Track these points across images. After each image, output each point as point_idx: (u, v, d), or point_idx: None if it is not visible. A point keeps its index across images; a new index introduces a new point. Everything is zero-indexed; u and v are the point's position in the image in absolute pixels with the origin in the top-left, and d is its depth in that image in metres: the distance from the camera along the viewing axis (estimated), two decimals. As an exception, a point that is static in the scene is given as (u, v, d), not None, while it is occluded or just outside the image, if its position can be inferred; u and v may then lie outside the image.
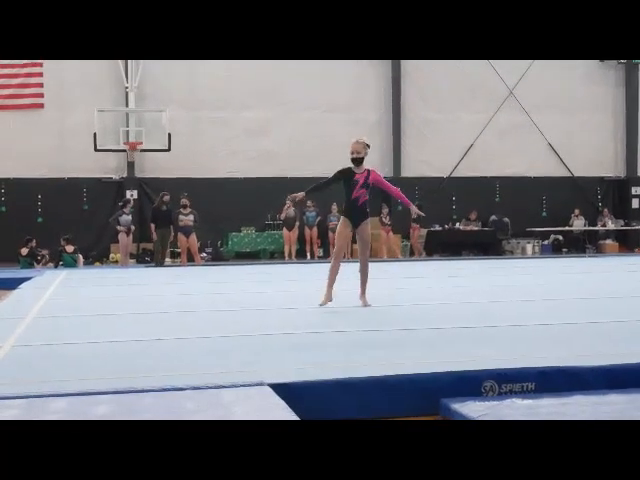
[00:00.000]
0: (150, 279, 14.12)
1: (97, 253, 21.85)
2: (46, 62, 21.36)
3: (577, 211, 24.09)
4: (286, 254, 21.44)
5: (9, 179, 21.76)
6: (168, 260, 20.37)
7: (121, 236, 19.64)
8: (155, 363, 5.38)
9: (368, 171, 8.54)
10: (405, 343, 6.08)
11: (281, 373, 4.82)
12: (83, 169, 21.99)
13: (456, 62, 22.92)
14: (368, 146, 8.57)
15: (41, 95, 22.04)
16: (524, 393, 4.73)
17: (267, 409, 3.99)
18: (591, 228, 24.25)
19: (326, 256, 20.54)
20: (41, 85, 22.00)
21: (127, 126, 21.05)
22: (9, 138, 21.69)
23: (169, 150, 20.66)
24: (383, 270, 14.59)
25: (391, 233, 21.97)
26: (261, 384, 4.50)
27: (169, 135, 20.47)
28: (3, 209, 21.86)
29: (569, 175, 24.81)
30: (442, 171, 24.17)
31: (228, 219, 22.27)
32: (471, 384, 4.72)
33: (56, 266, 19.11)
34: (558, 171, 24.76)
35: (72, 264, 19.13)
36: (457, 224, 23.77)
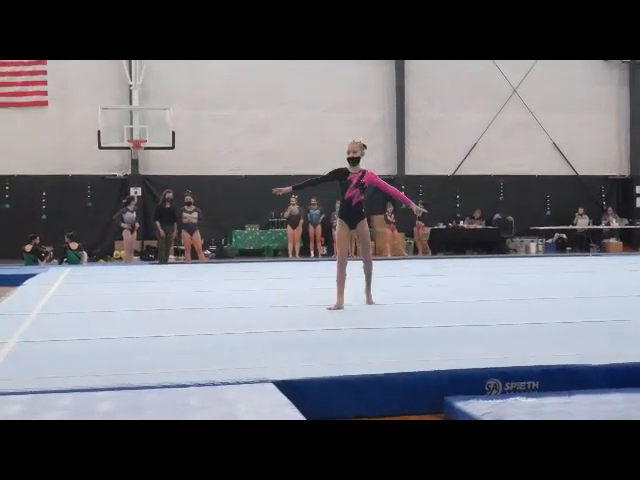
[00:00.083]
0: (154, 276, 14.13)
1: (101, 250, 21.87)
2: (50, 60, 21.36)
3: (581, 210, 24.06)
4: (290, 252, 21.46)
5: (13, 176, 21.78)
6: (172, 257, 20.38)
7: (125, 233, 19.66)
8: (159, 360, 5.38)
9: (363, 171, 8.46)
10: (409, 341, 6.08)
11: (285, 370, 4.83)
12: (87, 166, 22.01)
13: (460, 61, 22.87)
14: (365, 146, 8.49)
15: (45, 93, 22.07)
16: (528, 392, 4.73)
17: (271, 406, 3.99)
18: (595, 227, 24.22)
19: (330, 254, 20.53)
20: (45, 83, 22.02)
21: (131, 124, 21.07)
22: (13, 135, 21.72)
23: (173, 148, 20.69)
24: (387, 268, 14.59)
25: (396, 231, 21.98)
26: (265, 381, 4.50)
27: (173, 133, 20.49)
28: (7, 206, 21.88)
29: (573, 174, 24.79)
30: (446, 170, 24.16)
31: (232, 217, 22.28)
32: (475, 382, 4.72)
33: (60, 263, 19.15)
34: (562, 170, 24.74)
35: (76, 261, 19.16)
36: (461, 222, 23.76)
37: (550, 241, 23.97)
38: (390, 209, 21.84)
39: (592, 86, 24.82)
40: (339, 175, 8.50)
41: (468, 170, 24.12)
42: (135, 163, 22.43)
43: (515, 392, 4.70)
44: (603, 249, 23.86)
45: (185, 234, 19.41)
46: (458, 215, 24.07)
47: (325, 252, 22.06)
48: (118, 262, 20.73)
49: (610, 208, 24.52)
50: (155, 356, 5.55)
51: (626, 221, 24.84)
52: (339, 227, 8.67)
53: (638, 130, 25.20)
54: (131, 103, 21.85)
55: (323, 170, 8.84)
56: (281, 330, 6.72)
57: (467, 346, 5.76)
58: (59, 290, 11.15)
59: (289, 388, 4.41)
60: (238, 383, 4.48)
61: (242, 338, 6.37)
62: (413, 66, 23.73)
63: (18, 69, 21.69)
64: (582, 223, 24.12)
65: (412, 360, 5.16)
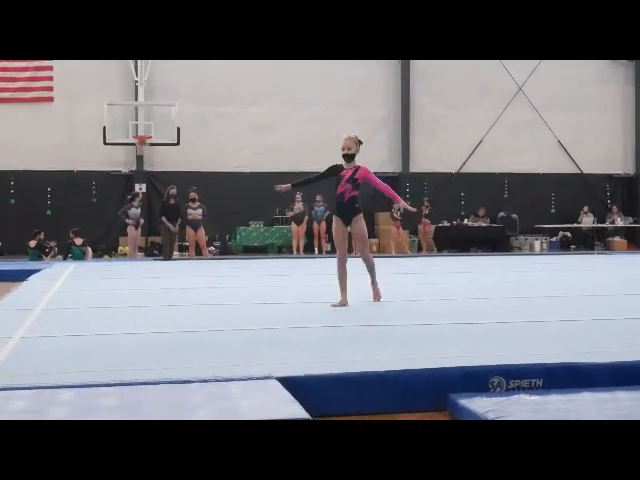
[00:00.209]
0: (158, 272, 14.14)
1: (106, 246, 21.88)
2: (56, 56, 21.36)
3: (586, 208, 24.02)
4: (294, 248, 21.46)
5: (18, 172, 21.80)
6: (176, 254, 20.40)
7: (130, 229, 19.68)
8: (162, 355, 5.39)
9: (357, 167, 8.40)
10: (413, 338, 6.08)
11: (289, 367, 4.83)
12: (92, 162, 22.03)
13: (466, 58, 22.85)
14: (360, 142, 8.43)
15: (51, 89, 22.08)
16: (532, 389, 4.73)
17: (275, 403, 4.00)
18: (600, 225, 24.19)
19: (334, 251, 20.45)
20: (51, 79, 22.03)
21: (136, 120, 21.07)
22: (19, 131, 21.74)
23: (178, 144, 20.70)
24: (391, 265, 14.59)
25: (401, 228, 21.97)
26: (269, 377, 4.51)
27: (178, 129, 20.50)
28: (12, 202, 21.90)
29: (578, 172, 24.75)
30: (451, 167, 24.14)
31: (236, 213, 22.29)
32: (479, 380, 4.72)
33: (65, 259, 19.18)
34: (567, 168, 24.70)
35: (81, 257, 19.18)
36: (465, 220, 23.74)
37: (554, 239, 23.94)
38: (396, 206, 21.82)
39: (597, 85, 24.77)
40: (335, 171, 8.50)
41: (473, 168, 24.10)
42: (140, 159, 22.44)
43: (519, 390, 4.71)
44: (608, 247, 23.83)
45: (189, 230, 19.42)
46: (462, 213, 24.05)
47: (329, 249, 22.03)
48: (122, 258, 20.74)
49: (615, 206, 24.49)
50: (158, 352, 5.56)
51: (631, 219, 24.80)
52: (334, 224, 8.64)
53: (643, 129, 25.19)
54: (137, 99, 21.86)
55: (328, 166, 8.81)
56: (285, 327, 6.73)
57: (471, 344, 5.76)
58: (63, 286, 11.16)
59: (293, 385, 4.42)
60: (242, 379, 4.49)
61: (245, 334, 6.37)
62: (418, 63, 23.70)
63: (24, 65, 21.69)
64: (587, 221, 24.09)
65: (416, 357, 5.16)
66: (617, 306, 8.34)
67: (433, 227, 22.82)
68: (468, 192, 24.02)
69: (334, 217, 8.69)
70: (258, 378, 4.50)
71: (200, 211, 19.37)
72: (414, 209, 9.86)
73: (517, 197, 24.09)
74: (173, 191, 19.33)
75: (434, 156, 24.04)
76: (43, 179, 21.73)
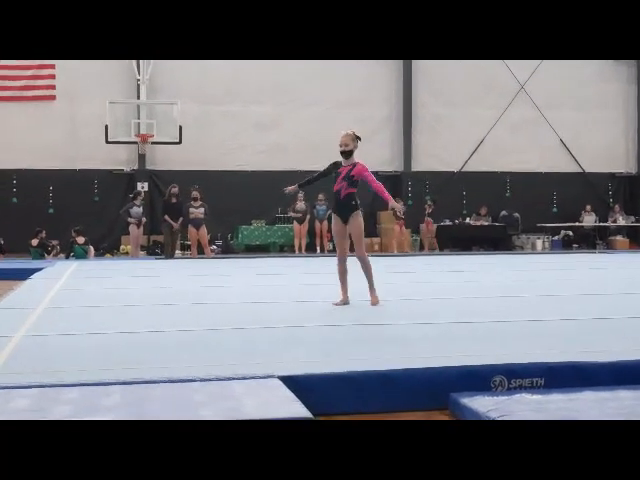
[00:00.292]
0: (160, 271, 14.15)
1: (108, 245, 21.90)
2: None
3: (589, 207, 24.02)
4: (296, 247, 21.47)
5: (20, 170, 21.81)
6: (178, 252, 20.41)
7: (132, 228, 19.69)
8: (165, 355, 5.40)
9: (354, 164, 8.32)
10: (414, 337, 6.09)
11: (291, 366, 4.84)
12: (94, 161, 22.04)
13: (467, 57, 22.83)
14: (358, 138, 8.33)
15: (53, 87, 22.09)
16: (533, 388, 4.73)
17: (277, 402, 4.01)
18: (601, 224, 24.17)
19: (335, 250, 20.49)
20: (53, 77, 22.04)
21: (138, 118, 21.06)
22: (21, 130, 21.75)
23: (180, 143, 20.69)
24: (393, 264, 14.59)
25: (403, 227, 21.98)
26: (271, 376, 4.52)
27: (180, 128, 20.49)
28: (14, 200, 21.90)
29: (580, 171, 24.74)
30: (453, 166, 24.14)
31: (239, 212, 22.29)
32: (480, 379, 4.73)
33: (67, 257, 19.20)
34: (569, 167, 24.69)
35: (83, 255, 19.20)
36: (467, 219, 23.73)
37: (556, 238, 23.94)
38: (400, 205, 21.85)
39: (600, 83, 24.76)
40: (335, 168, 8.48)
41: (475, 167, 24.10)
42: (142, 158, 22.45)
43: (520, 389, 4.71)
44: (609, 246, 23.81)
45: (191, 229, 19.43)
46: (464, 212, 24.04)
47: (331, 248, 22.04)
48: (125, 257, 20.75)
49: (617, 205, 24.46)
50: (161, 351, 5.57)
51: (633, 218, 24.78)
52: (333, 222, 8.61)
53: (646, 128, 25.18)
54: (139, 98, 21.86)
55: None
56: (287, 326, 6.74)
57: (472, 343, 5.76)
58: (66, 284, 11.18)
59: (295, 383, 4.43)
60: (244, 378, 4.50)
61: (247, 333, 6.38)
62: (420, 63, 23.67)
63: (26, 63, 21.69)
64: (589, 220, 24.07)
65: (417, 356, 5.16)
66: (619, 305, 8.34)
67: (435, 226, 22.82)
68: (470, 191, 24.02)
69: (333, 215, 8.67)
70: (260, 377, 4.51)
71: (202, 210, 19.38)
72: (404, 208, 9.69)
73: (519, 196, 24.08)
74: (175, 190, 19.36)
75: (436, 155, 24.03)
76: (45, 178, 21.74)
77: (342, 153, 8.35)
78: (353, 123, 21.64)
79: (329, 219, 21.78)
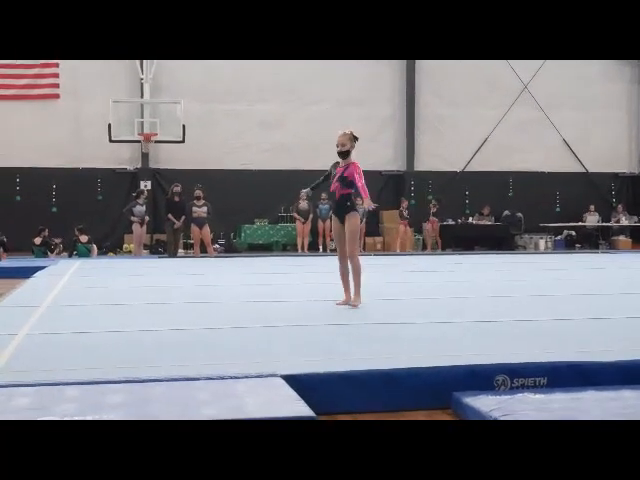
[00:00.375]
0: (163, 270, 14.16)
1: (111, 243, 21.92)
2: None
3: (592, 207, 24.00)
4: (299, 246, 21.49)
5: (24, 169, 21.81)
6: (181, 251, 20.42)
7: (135, 227, 19.71)
8: (167, 353, 5.40)
9: (348, 165, 8.25)
10: (417, 336, 6.08)
11: (294, 365, 4.84)
12: (98, 159, 22.05)
13: (471, 57, 22.80)
14: (356, 138, 8.25)
15: (57, 85, 22.11)
16: (536, 388, 4.73)
17: (280, 401, 4.01)
18: (604, 224, 24.15)
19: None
20: (57, 76, 22.06)
21: (142, 117, 21.05)
22: (25, 128, 21.76)
23: (183, 142, 20.69)
24: (395, 263, 14.59)
25: (408, 227, 22.00)
26: (274, 375, 4.52)
27: (183, 127, 20.49)
28: (18, 198, 21.92)
29: (583, 171, 24.72)
30: (455, 166, 24.13)
31: (241, 211, 22.30)
32: (483, 378, 4.73)
33: (70, 256, 19.21)
34: (572, 167, 24.68)
35: (86, 254, 19.21)
36: (470, 219, 23.73)
37: (559, 238, 23.92)
38: (404, 204, 21.91)
39: (603, 83, 24.73)
40: (334, 169, 8.49)
41: (478, 166, 24.08)
42: (145, 156, 22.46)
43: (523, 388, 4.71)
44: (612, 246, 23.80)
45: (194, 228, 19.44)
46: (467, 211, 24.03)
47: (333, 247, 22.04)
48: (127, 255, 20.77)
49: (620, 205, 24.44)
50: (164, 349, 5.57)
51: (636, 218, 24.75)
52: (333, 223, 8.62)
53: (649, 128, 25.15)
54: (142, 96, 21.85)
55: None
56: (289, 325, 6.74)
57: (475, 342, 5.76)
58: (69, 283, 11.18)
59: (298, 382, 4.43)
60: (247, 377, 4.50)
61: (250, 332, 6.38)
62: (423, 62, 23.66)
63: (30, 62, 21.70)
64: (592, 220, 24.05)
65: (420, 355, 5.17)
66: (622, 305, 8.33)
67: (438, 225, 22.82)
68: (473, 190, 24.01)
69: (332, 216, 8.68)
70: (263, 376, 4.51)
71: (205, 209, 19.39)
72: (375, 205, 9.38)
73: (522, 196, 24.06)
74: (177, 189, 19.37)
75: (439, 155, 24.02)
76: (48, 176, 21.75)
77: (339, 153, 8.32)
78: (356, 122, 21.67)
79: (332, 218, 21.86)
